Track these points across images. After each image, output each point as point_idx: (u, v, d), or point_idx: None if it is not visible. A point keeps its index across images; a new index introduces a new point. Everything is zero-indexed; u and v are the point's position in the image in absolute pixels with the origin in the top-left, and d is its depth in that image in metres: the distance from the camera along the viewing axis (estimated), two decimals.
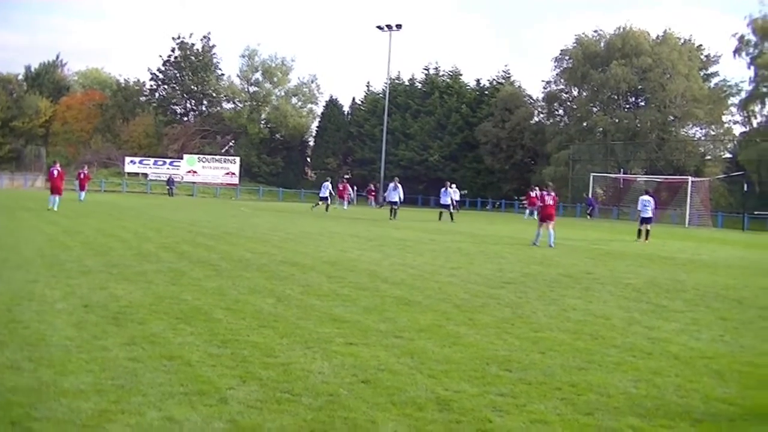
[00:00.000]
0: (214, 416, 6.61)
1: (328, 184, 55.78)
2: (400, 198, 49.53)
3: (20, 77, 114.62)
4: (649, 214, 36.43)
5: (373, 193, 79.86)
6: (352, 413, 6.90)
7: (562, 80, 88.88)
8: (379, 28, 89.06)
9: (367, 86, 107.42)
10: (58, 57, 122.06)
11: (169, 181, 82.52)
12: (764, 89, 75.35)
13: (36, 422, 6.23)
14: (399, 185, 49.26)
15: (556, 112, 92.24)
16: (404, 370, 8.43)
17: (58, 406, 6.63)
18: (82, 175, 55.31)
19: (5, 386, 7.14)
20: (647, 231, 35.76)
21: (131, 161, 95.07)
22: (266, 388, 7.48)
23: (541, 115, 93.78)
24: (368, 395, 7.47)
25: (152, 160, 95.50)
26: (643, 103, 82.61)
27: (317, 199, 57.73)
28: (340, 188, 63.28)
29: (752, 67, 75.83)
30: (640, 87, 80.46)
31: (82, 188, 54.24)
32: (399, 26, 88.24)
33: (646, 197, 37.37)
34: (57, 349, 8.65)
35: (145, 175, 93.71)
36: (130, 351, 8.69)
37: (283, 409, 6.91)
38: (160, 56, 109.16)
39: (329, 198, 55.74)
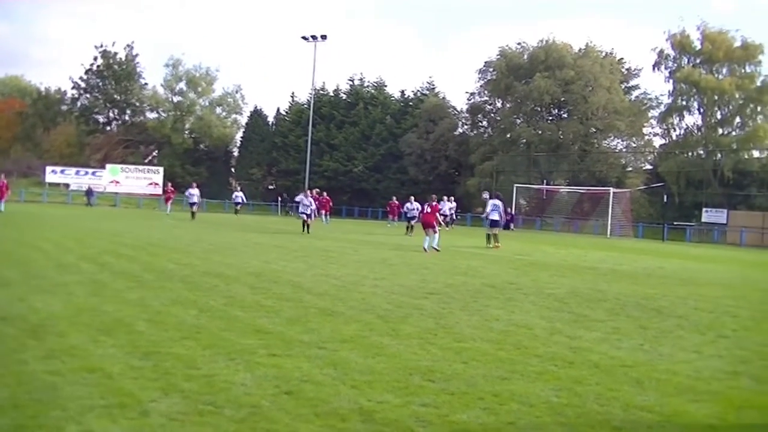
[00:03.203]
0: (135, 429, 6.57)
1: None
2: (313, 210, 45.89)
3: None
4: (497, 217, 35.74)
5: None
6: (275, 425, 6.90)
7: (486, 92, 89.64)
8: (304, 38, 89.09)
9: (292, 97, 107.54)
10: None
11: (88, 192, 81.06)
12: (682, 102, 76.89)
13: None
14: (306, 197, 45.53)
15: (480, 124, 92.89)
16: (327, 381, 8.43)
17: None
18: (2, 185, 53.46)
19: None
20: (495, 235, 35.41)
21: (52, 171, 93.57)
22: (188, 401, 7.43)
23: (466, 127, 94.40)
24: (291, 407, 7.45)
25: (74, 169, 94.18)
26: (565, 115, 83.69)
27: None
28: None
29: (671, 81, 77.47)
30: (562, 99, 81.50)
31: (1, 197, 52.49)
32: (324, 37, 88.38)
33: (496, 201, 36.64)
34: None
35: (67, 185, 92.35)
36: (49, 364, 8.56)
37: (205, 421, 6.88)
38: (82, 65, 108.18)
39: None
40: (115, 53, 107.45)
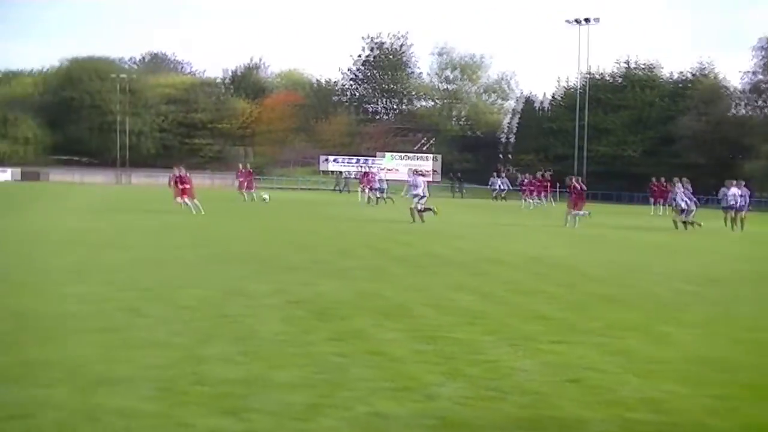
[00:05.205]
0: (421, 412, 6.61)
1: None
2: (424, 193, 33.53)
3: (221, 80, 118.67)
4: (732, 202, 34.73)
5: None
6: (560, 412, 6.79)
7: (764, 70, 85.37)
8: (577, 21, 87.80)
9: (562, 81, 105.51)
10: (252, 59, 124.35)
11: (345, 179, 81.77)
12: None
13: (250, 413, 6.38)
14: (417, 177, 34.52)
15: (760, 104, 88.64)
16: (612, 369, 8.24)
17: (271, 399, 6.80)
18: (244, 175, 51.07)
19: (219, 378, 7.38)
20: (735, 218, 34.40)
21: (325, 159, 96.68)
22: (473, 386, 7.44)
23: (745, 107, 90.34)
24: (576, 394, 7.33)
25: (348, 158, 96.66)
26: None
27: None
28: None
29: None
30: None
31: (249, 187, 49.76)
32: (590, 20, 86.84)
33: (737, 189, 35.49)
34: (267, 343, 8.89)
35: (341, 173, 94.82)
36: (336, 346, 8.82)
37: (489, 406, 6.86)
38: (358, 55, 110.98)
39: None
40: (386, 43, 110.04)
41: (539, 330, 10.11)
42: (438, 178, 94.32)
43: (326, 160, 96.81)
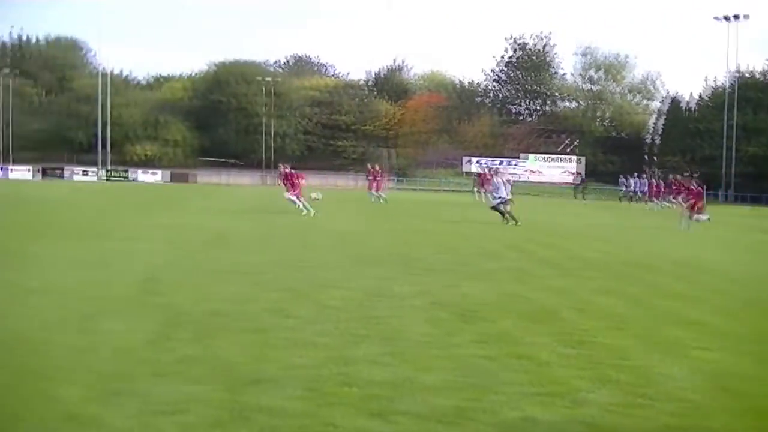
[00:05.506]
0: (570, 418, 6.55)
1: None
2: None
3: (364, 82, 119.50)
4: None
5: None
6: (710, 422, 6.62)
7: None
8: (726, 18, 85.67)
9: (713, 80, 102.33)
10: (395, 61, 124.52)
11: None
12: None
13: (397, 415, 6.40)
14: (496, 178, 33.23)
15: None
16: (764, 378, 8.02)
17: (418, 401, 6.80)
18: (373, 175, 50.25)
19: (365, 379, 7.42)
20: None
21: (468, 161, 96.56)
22: (621, 392, 7.31)
23: None
24: (727, 403, 7.13)
25: (493, 159, 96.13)
26: None
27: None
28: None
29: None
30: None
31: (378, 188, 49.32)
32: (746, 16, 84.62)
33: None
34: (412, 344, 8.89)
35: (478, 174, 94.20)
36: (481, 349, 8.78)
37: (639, 414, 6.73)
38: (501, 56, 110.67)
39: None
40: (525, 44, 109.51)
41: (687, 335, 9.88)
42: (579, 180, 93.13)
43: (469, 161, 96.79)
